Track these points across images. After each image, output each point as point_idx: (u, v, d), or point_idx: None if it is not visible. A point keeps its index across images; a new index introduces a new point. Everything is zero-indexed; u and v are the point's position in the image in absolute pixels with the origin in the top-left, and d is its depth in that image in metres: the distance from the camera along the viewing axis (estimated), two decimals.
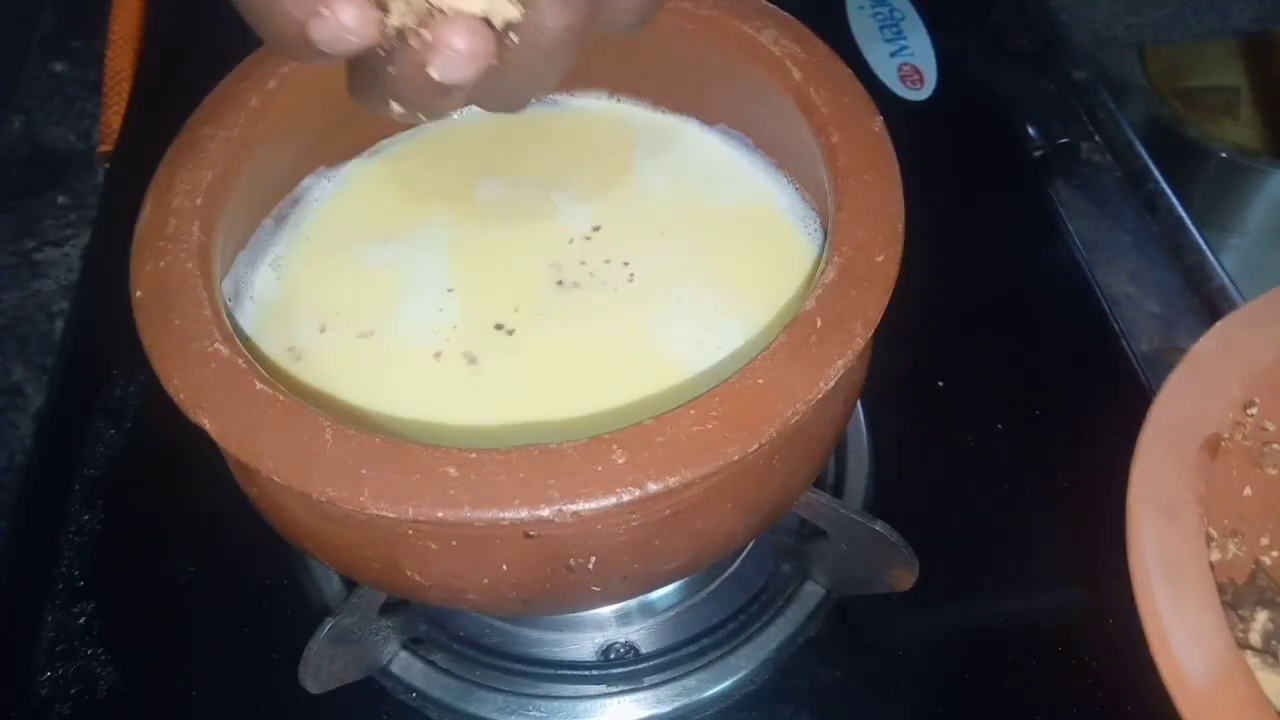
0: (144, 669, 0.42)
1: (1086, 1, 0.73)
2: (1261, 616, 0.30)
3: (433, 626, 0.42)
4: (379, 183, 0.40)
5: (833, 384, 0.28)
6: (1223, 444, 0.30)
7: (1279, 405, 0.32)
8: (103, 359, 0.50)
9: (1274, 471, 0.33)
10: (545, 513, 0.26)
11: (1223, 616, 0.27)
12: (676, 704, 0.40)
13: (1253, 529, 0.32)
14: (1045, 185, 0.58)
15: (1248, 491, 0.32)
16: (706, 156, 0.40)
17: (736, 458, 0.26)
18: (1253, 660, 0.29)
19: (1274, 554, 0.33)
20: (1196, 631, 0.27)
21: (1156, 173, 0.59)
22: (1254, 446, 0.32)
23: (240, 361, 0.28)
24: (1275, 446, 0.33)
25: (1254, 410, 0.32)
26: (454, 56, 0.24)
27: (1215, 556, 0.31)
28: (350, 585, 0.40)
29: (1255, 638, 0.30)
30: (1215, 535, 0.31)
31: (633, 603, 0.42)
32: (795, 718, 0.41)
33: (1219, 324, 0.32)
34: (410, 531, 0.28)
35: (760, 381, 0.28)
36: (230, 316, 0.33)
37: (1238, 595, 0.31)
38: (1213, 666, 0.27)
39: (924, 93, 0.61)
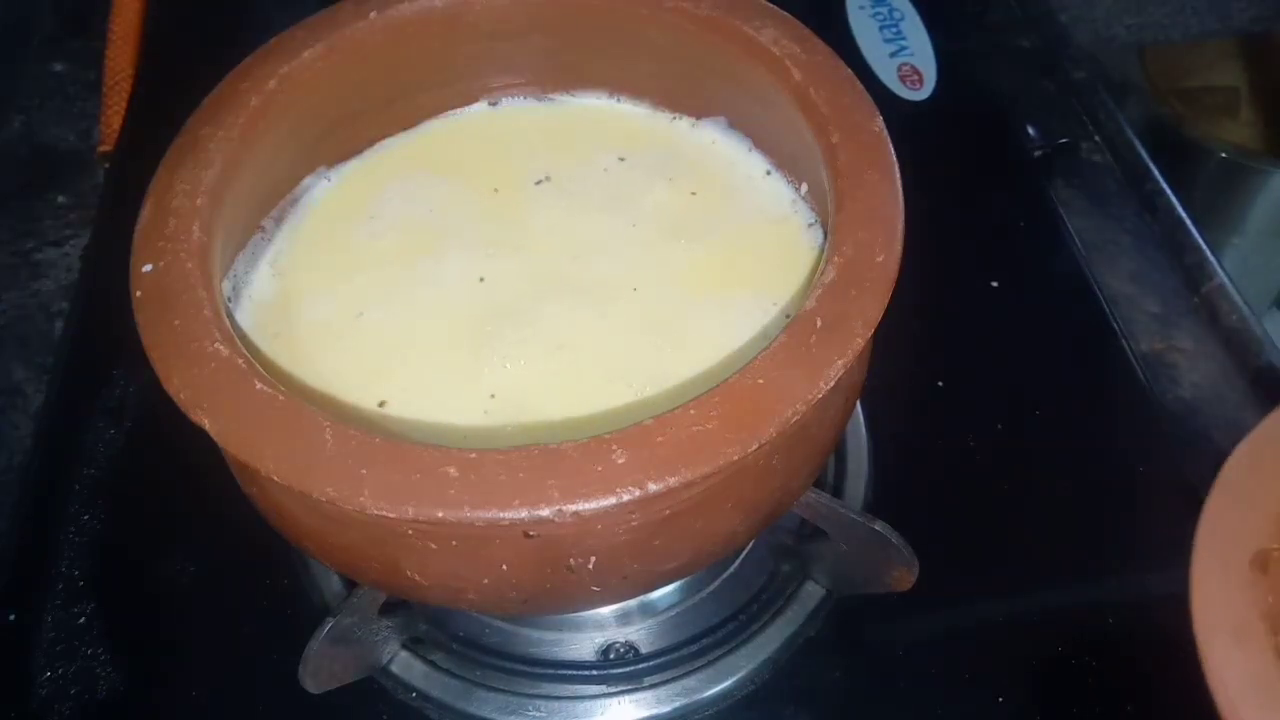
0: (144, 669, 0.42)
1: (1086, 1, 0.73)
2: None
3: (433, 626, 0.42)
4: (378, 183, 0.40)
5: (833, 384, 0.28)
6: (1275, 556, 0.31)
7: None
8: (103, 359, 0.50)
9: None
10: (545, 513, 0.26)
11: None
12: (676, 704, 0.40)
13: None
14: (1045, 185, 0.58)
15: None
16: (706, 156, 0.40)
17: (736, 458, 0.26)
18: None
19: None
20: None
21: (1156, 173, 0.58)
22: None
23: (240, 361, 0.28)
24: None
25: None
26: None
27: None
28: (350, 585, 0.40)
29: None
30: None
31: (633, 603, 0.42)
32: (795, 718, 0.41)
33: (1243, 443, 0.33)
34: (410, 531, 0.28)
35: (760, 381, 0.28)
36: (230, 316, 0.33)
37: None
38: None
39: (924, 93, 0.61)
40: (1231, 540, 0.31)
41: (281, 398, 0.28)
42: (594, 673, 0.41)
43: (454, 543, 0.29)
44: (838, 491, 0.45)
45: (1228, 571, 0.30)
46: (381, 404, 0.34)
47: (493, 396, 0.34)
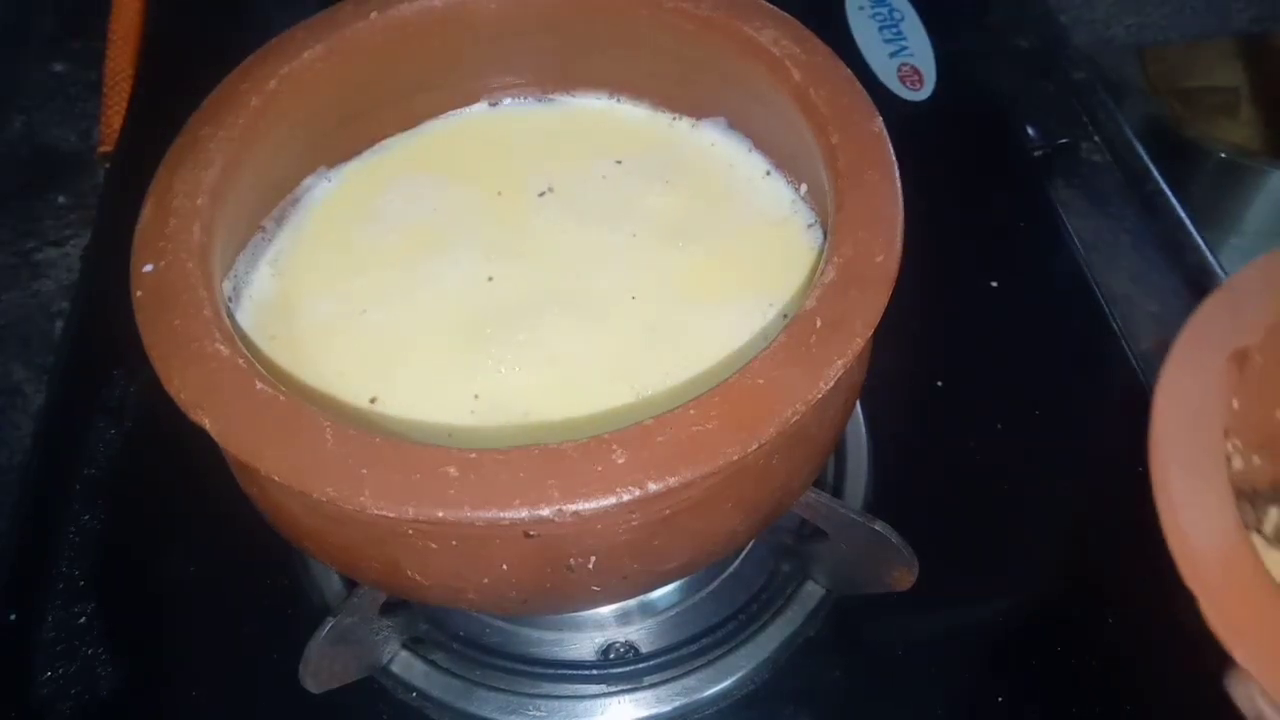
0: (144, 669, 0.42)
1: (1086, 2, 0.73)
2: (1274, 512, 0.32)
3: (433, 626, 0.42)
4: (379, 183, 0.40)
5: (833, 384, 0.28)
6: (1254, 359, 0.30)
7: None
8: (103, 359, 0.50)
9: None
10: (545, 513, 0.26)
11: (1232, 500, 0.28)
12: (676, 704, 0.40)
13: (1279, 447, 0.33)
14: (1045, 185, 0.58)
15: (1279, 414, 0.33)
16: (706, 157, 0.40)
17: (736, 458, 0.26)
18: (1258, 540, 0.30)
19: None
20: (1206, 509, 0.28)
21: (1156, 173, 0.58)
22: None
23: (240, 361, 0.28)
24: None
25: None
26: None
27: (1239, 465, 0.31)
28: (350, 585, 0.40)
29: (1268, 528, 0.31)
30: (1240, 447, 0.31)
31: (633, 602, 0.42)
32: (795, 718, 0.41)
33: (1260, 258, 0.32)
34: (410, 531, 0.28)
35: (760, 381, 0.28)
36: (230, 316, 0.33)
37: (1256, 498, 0.32)
38: (1218, 539, 0.28)
39: (924, 93, 0.61)
40: (1219, 333, 0.31)
41: (282, 398, 0.28)
42: (594, 672, 0.41)
43: (454, 542, 0.29)
44: (838, 491, 0.45)
45: (1205, 356, 0.30)
46: (373, 400, 0.34)
47: (484, 397, 0.34)
